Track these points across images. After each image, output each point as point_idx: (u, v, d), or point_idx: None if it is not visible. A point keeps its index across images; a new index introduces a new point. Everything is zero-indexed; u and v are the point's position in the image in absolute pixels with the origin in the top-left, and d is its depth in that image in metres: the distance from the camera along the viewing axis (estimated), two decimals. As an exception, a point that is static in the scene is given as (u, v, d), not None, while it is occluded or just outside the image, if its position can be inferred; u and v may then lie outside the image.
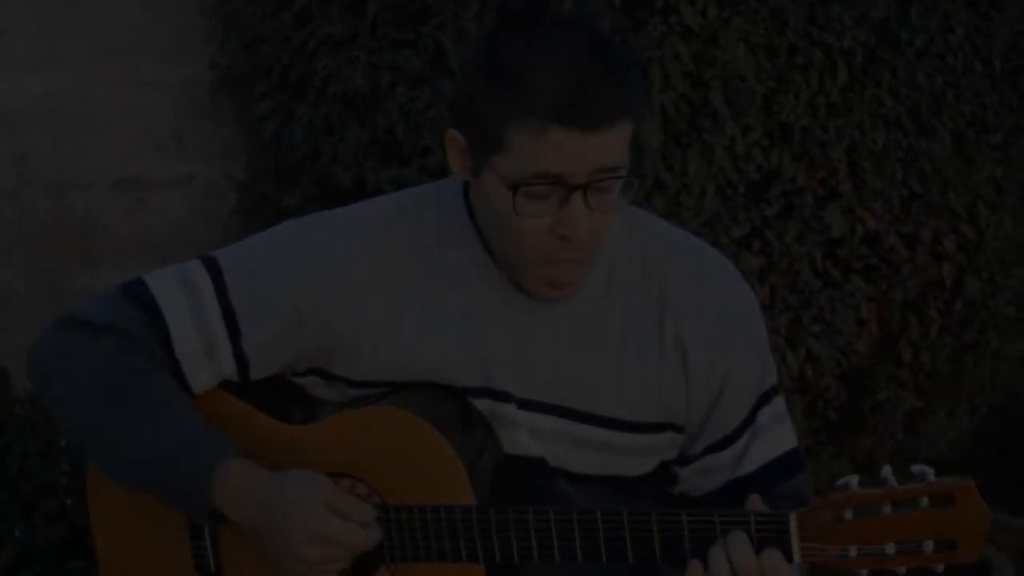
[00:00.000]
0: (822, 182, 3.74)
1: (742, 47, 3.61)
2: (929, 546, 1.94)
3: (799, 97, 3.68)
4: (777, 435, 2.19)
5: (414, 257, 2.12)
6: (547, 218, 1.99)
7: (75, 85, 4.33)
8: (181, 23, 4.32)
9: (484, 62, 2.02)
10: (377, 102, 3.74)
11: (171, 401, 2.12)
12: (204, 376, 2.14)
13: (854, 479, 1.96)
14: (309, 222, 2.18)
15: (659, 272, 2.14)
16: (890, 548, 1.94)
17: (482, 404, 2.12)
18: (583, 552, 2.03)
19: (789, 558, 1.97)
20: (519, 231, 2.00)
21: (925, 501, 1.93)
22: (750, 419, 2.17)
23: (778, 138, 3.70)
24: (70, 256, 4.37)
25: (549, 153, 1.96)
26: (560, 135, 1.95)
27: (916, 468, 1.95)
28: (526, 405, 2.12)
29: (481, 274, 2.12)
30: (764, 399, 2.18)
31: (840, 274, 3.79)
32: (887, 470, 1.96)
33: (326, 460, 2.11)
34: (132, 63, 4.35)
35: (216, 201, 4.40)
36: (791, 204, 3.73)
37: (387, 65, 3.72)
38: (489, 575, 2.08)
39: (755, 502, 2.01)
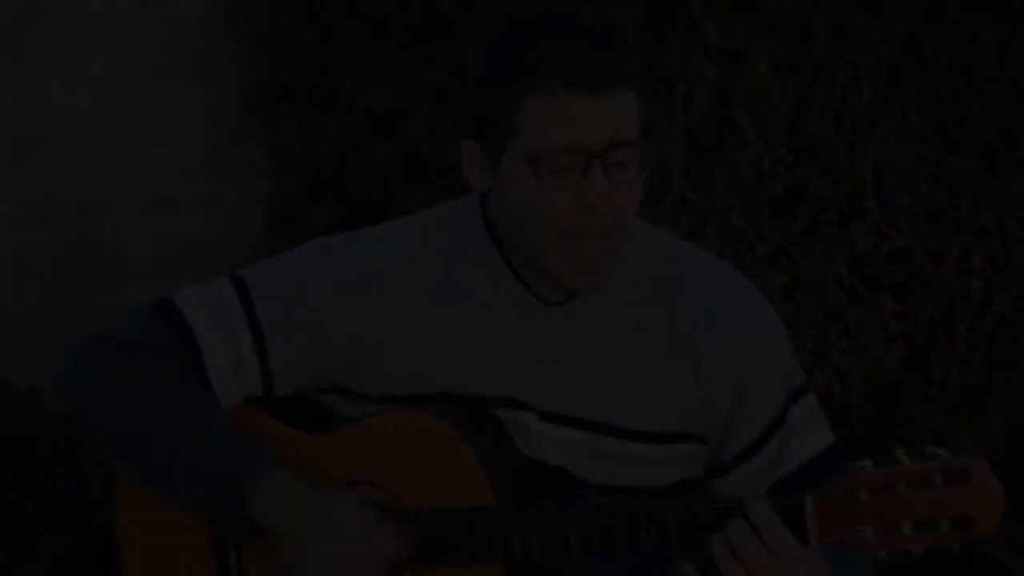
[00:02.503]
0: (848, 198, 3.73)
1: (766, 64, 3.61)
2: (945, 524, 1.93)
3: (824, 113, 3.68)
4: (813, 433, 2.17)
5: (434, 273, 2.15)
6: (569, 192, 2.02)
7: (101, 105, 4.35)
8: (208, 42, 4.34)
9: (488, 56, 2.09)
10: (403, 119, 3.75)
11: (209, 411, 2.14)
12: (231, 392, 2.16)
13: (868, 461, 1.96)
14: (334, 242, 2.21)
15: (669, 282, 2.16)
16: (906, 527, 1.94)
17: (503, 415, 2.14)
18: (600, 546, 2.04)
19: (805, 541, 1.97)
20: (544, 210, 2.03)
21: (939, 479, 1.93)
22: (779, 420, 2.16)
23: (803, 155, 3.70)
24: (97, 277, 4.39)
25: (563, 121, 2.00)
26: (570, 99, 2.00)
27: (929, 449, 1.95)
28: (547, 417, 2.14)
29: (500, 287, 2.14)
30: (792, 399, 2.17)
31: (867, 291, 3.78)
32: (901, 451, 1.95)
33: (347, 468, 2.14)
34: (159, 83, 4.37)
35: (244, 221, 4.41)
36: (817, 221, 3.72)
37: (412, 82, 3.73)
38: None
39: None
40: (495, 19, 3.65)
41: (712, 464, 2.19)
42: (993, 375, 4.09)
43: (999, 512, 1.94)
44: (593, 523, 2.04)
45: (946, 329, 3.92)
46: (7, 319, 4.33)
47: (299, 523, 2.09)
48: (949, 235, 3.83)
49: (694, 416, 2.16)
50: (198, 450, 2.12)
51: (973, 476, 1.93)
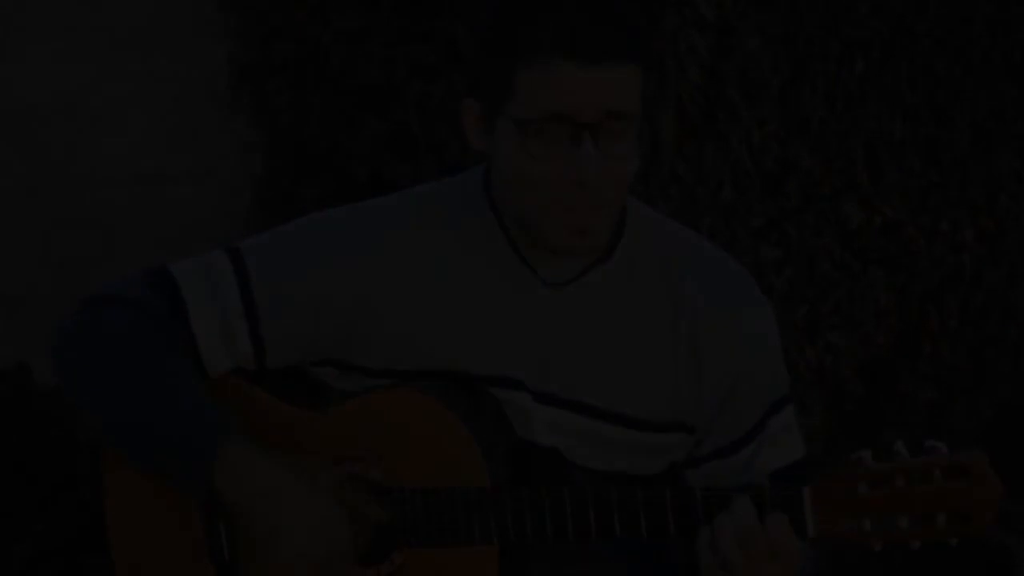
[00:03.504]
0: (840, 173, 3.73)
1: (758, 38, 3.60)
2: (943, 519, 1.93)
3: (816, 88, 3.67)
4: (787, 444, 2.18)
5: (433, 248, 2.14)
6: (560, 162, 2.00)
7: (92, 80, 4.34)
8: (198, 17, 4.33)
9: (490, 18, 2.07)
10: (392, 95, 3.74)
11: (184, 378, 2.12)
12: (220, 358, 2.15)
13: (867, 453, 1.96)
14: (331, 214, 2.20)
15: (675, 273, 2.15)
16: (903, 521, 1.94)
17: (498, 394, 2.13)
18: (597, 530, 2.03)
19: (803, 532, 1.97)
20: (534, 178, 2.01)
21: (938, 474, 1.93)
22: (760, 426, 2.16)
23: (795, 130, 3.70)
24: (88, 251, 4.38)
25: (556, 89, 1.98)
26: (565, 70, 1.97)
27: (928, 442, 1.95)
28: (542, 398, 2.13)
29: (501, 266, 2.13)
30: (775, 408, 2.18)
31: (859, 265, 3.78)
32: (900, 444, 1.95)
33: (340, 444, 2.12)
34: (149, 58, 4.36)
35: (234, 196, 4.41)
36: (808, 196, 3.72)
37: (402, 58, 3.73)
38: (502, 572, 2.09)
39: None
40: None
41: (688, 455, 2.19)
42: (984, 351, 4.10)
43: (997, 507, 1.94)
44: (590, 508, 2.04)
45: (937, 305, 3.92)
46: (-5, 294, 4.34)
47: (255, 497, 2.06)
48: (940, 210, 3.83)
49: (686, 407, 2.15)
50: (165, 415, 2.09)
51: (972, 471, 1.92)
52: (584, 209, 2.02)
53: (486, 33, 2.06)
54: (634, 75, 2.01)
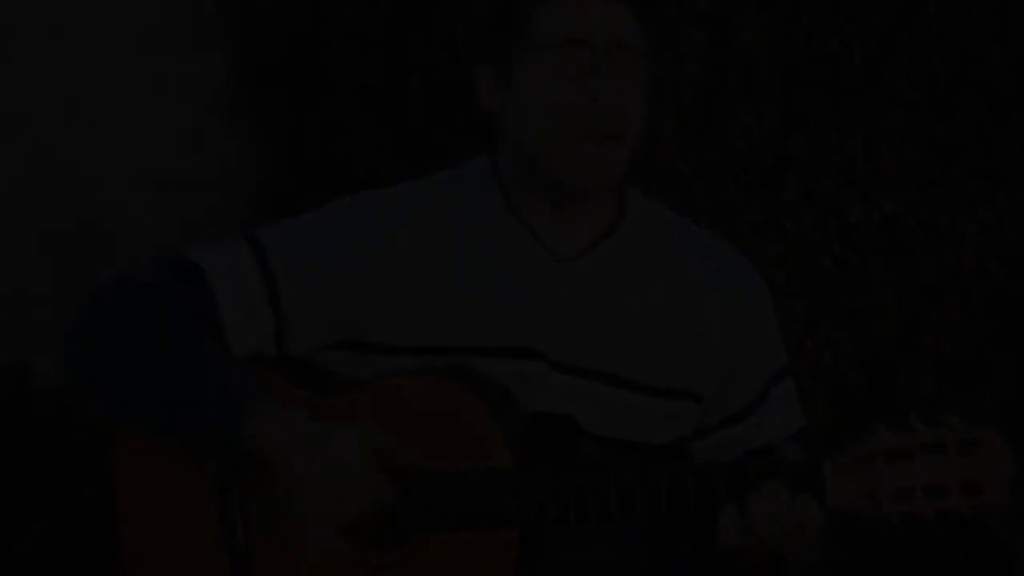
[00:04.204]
0: (839, 167, 3.74)
1: (757, 32, 3.61)
2: (956, 490, 1.97)
3: (815, 82, 3.68)
4: (788, 413, 2.26)
5: (445, 227, 2.20)
6: (577, 86, 2.13)
7: (92, 82, 4.34)
8: (198, 18, 4.33)
9: None
10: (392, 95, 3.75)
11: (210, 347, 2.16)
12: (244, 340, 2.18)
13: (882, 425, 2.00)
14: (344, 200, 2.26)
15: (676, 249, 2.23)
16: (919, 493, 1.97)
17: (514, 366, 2.17)
18: (619, 514, 2.05)
19: (822, 503, 2.01)
20: (555, 104, 2.13)
21: (952, 446, 1.97)
22: (763, 395, 2.24)
23: (794, 124, 3.71)
24: (89, 253, 4.38)
25: (575, 15, 2.14)
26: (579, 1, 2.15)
27: (942, 416, 1.99)
28: (557, 366, 2.18)
29: (512, 241, 2.19)
30: (776, 378, 2.26)
31: (858, 260, 3.79)
32: (913, 417, 1.99)
33: (356, 431, 2.13)
34: (149, 60, 4.36)
35: (234, 196, 4.41)
36: (808, 190, 3.73)
37: (401, 57, 3.73)
38: (522, 555, 2.10)
39: (791, 450, 2.10)
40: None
41: (695, 426, 2.25)
42: (985, 345, 4.10)
43: (1008, 480, 1.98)
44: (612, 491, 2.06)
45: (937, 299, 3.92)
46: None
47: (289, 441, 2.09)
48: (940, 204, 3.83)
49: (696, 374, 2.22)
50: (197, 375, 2.13)
51: (984, 443, 1.97)
52: (601, 137, 2.14)
53: None
54: (638, 16, 2.17)
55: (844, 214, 3.75)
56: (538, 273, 2.19)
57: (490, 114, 2.21)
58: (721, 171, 3.63)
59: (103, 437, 2.27)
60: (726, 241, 2.30)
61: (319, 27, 3.90)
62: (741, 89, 3.62)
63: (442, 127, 3.69)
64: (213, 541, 2.19)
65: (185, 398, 2.13)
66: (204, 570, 2.19)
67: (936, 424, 1.98)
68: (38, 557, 3.62)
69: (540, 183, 2.18)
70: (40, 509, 3.70)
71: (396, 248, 2.18)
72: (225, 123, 4.40)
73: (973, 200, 3.88)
